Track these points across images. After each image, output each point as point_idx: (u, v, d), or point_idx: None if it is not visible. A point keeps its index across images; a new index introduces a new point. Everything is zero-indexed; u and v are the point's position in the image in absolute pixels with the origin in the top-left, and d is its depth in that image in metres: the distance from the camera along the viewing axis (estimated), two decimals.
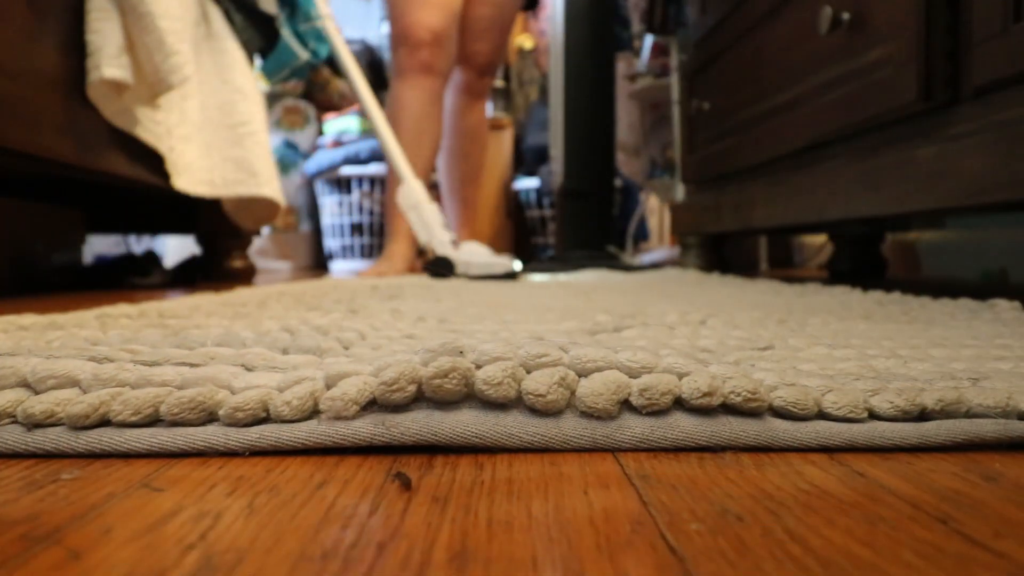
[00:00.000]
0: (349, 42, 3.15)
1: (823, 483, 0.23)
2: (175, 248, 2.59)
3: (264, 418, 0.28)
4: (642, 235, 2.97)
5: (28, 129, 0.98)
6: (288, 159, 2.82)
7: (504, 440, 0.27)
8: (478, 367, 0.29)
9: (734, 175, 1.54)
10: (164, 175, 1.34)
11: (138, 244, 2.22)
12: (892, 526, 0.20)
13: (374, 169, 2.57)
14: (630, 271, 1.80)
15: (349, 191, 2.64)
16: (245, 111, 1.54)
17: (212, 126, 1.48)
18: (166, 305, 0.69)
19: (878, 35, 0.95)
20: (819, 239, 2.41)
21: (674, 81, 2.52)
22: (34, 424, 0.27)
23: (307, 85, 2.89)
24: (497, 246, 2.73)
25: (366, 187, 2.62)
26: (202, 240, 1.79)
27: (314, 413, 0.28)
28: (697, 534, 0.19)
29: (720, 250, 1.80)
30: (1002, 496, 0.22)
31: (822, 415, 0.28)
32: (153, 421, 0.28)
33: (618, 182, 2.68)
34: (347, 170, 2.58)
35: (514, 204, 3.07)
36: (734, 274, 1.57)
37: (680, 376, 0.29)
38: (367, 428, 0.27)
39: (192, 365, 0.33)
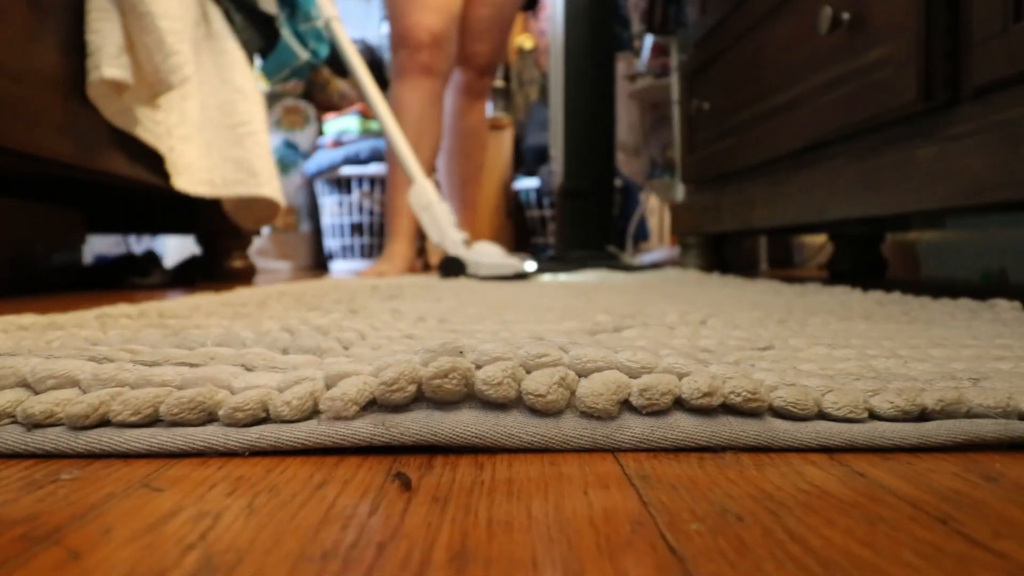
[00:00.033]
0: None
1: (823, 483, 0.23)
2: (175, 248, 2.59)
3: (264, 418, 0.28)
4: (642, 235, 2.97)
5: (28, 129, 0.98)
6: (288, 159, 2.82)
7: (504, 440, 0.27)
8: (478, 367, 0.29)
9: (734, 175, 1.54)
10: (164, 175, 1.34)
11: (138, 244, 2.22)
12: (892, 526, 0.20)
13: (374, 169, 2.56)
14: (630, 271, 1.80)
15: (349, 191, 2.64)
16: (245, 111, 1.54)
17: (212, 126, 1.48)
18: (166, 305, 0.69)
19: (878, 35, 0.95)
20: (819, 239, 2.41)
21: (674, 81, 2.52)
22: (34, 424, 0.27)
23: (307, 85, 2.89)
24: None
25: (366, 187, 2.62)
26: (202, 240, 1.79)
27: (314, 413, 0.28)
28: (697, 534, 0.19)
29: (720, 250, 1.80)
30: (1002, 496, 0.22)
31: (822, 415, 0.28)
32: (153, 421, 0.28)
33: (618, 182, 2.68)
34: (347, 170, 2.58)
35: (514, 204, 3.07)
36: (734, 274, 1.57)
37: (680, 376, 0.29)
38: (367, 428, 0.27)
39: (192, 365, 0.33)
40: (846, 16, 1.01)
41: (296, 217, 2.86)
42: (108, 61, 1.10)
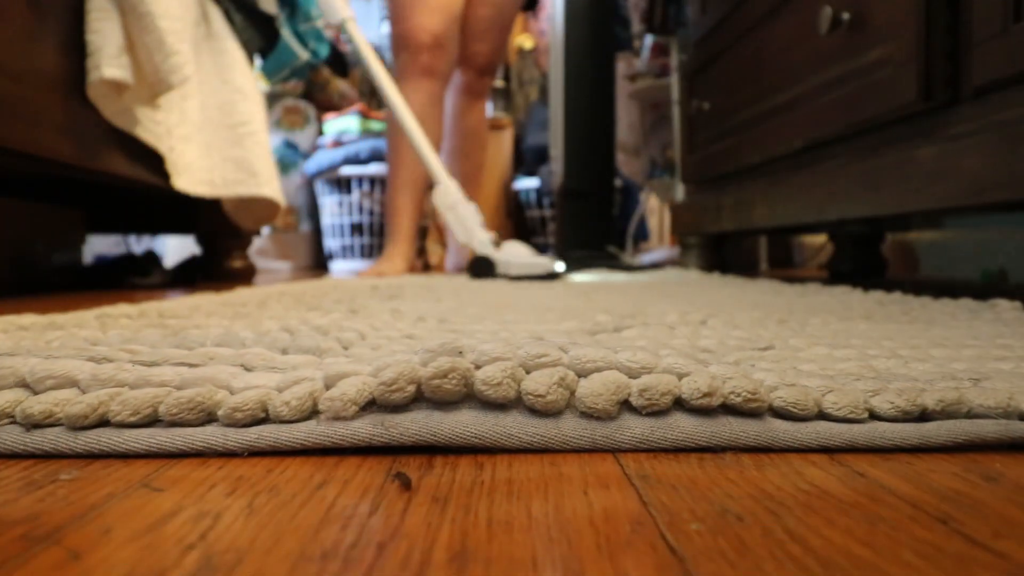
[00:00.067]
0: (349, 42, 3.16)
1: (823, 483, 0.23)
2: (175, 248, 2.59)
3: (263, 418, 0.28)
4: (642, 235, 2.97)
5: (28, 129, 0.98)
6: (288, 159, 2.82)
7: (503, 441, 0.27)
8: (477, 367, 0.29)
9: (734, 175, 1.54)
10: (164, 175, 1.34)
11: (138, 244, 2.22)
12: (892, 526, 0.20)
13: (374, 169, 2.57)
14: (630, 271, 1.80)
15: (349, 191, 2.64)
16: (245, 111, 1.54)
17: (212, 126, 1.48)
18: (166, 305, 0.69)
19: (878, 35, 0.95)
20: (819, 239, 2.41)
21: (674, 81, 2.52)
22: (33, 424, 0.27)
23: (307, 85, 2.89)
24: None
25: (366, 187, 2.62)
26: (202, 240, 1.79)
27: (313, 413, 0.28)
28: (697, 534, 0.19)
29: (720, 250, 1.80)
30: (1002, 496, 0.22)
31: (822, 415, 0.28)
32: (152, 421, 0.28)
33: (618, 182, 2.68)
34: (347, 170, 2.58)
35: (514, 204, 3.07)
36: (734, 274, 1.57)
37: (680, 376, 0.29)
38: (366, 428, 0.27)
39: (191, 365, 0.33)
40: (846, 16, 1.01)
41: (296, 217, 2.86)
42: (108, 61, 1.10)
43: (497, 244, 1.49)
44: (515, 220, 3.07)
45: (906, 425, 0.28)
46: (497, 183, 2.98)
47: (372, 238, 2.66)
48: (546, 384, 0.28)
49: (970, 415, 0.28)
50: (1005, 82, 0.75)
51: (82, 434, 0.27)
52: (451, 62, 1.77)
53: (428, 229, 2.74)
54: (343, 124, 2.69)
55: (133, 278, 1.54)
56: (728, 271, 1.73)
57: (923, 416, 0.28)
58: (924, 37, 0.85)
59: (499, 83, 3.20)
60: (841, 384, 0.30)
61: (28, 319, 0.52)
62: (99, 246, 2.33)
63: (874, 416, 0.28)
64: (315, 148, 2.83)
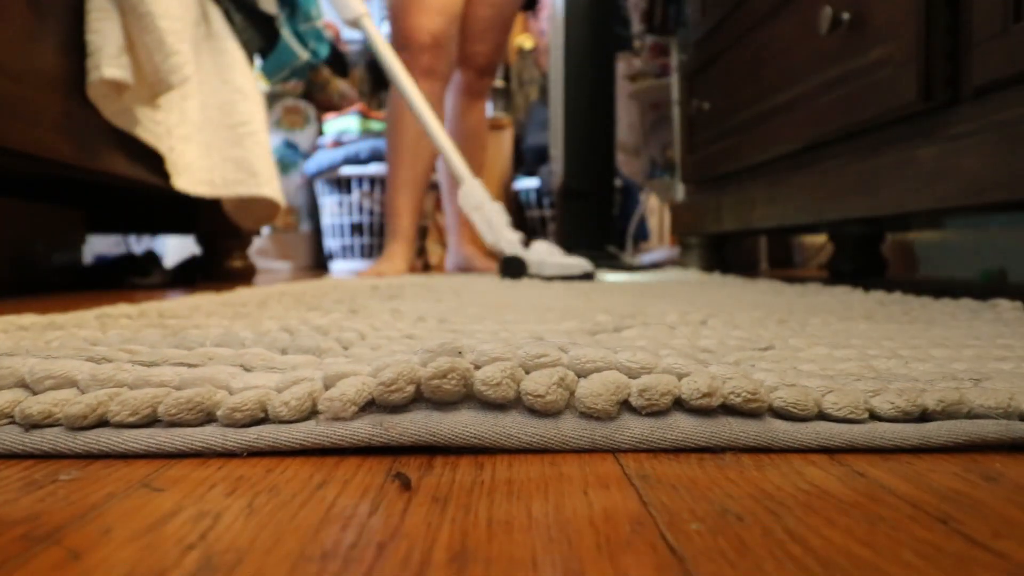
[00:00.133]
0: (349, 42, 3.16)
1: (823, 483, 0.23)
2: (175, 248, 2.59)
3: (262, 419, 0.28)
4: (642, 235, 2.97)
5: (28, 129, 0.98)
6: (288, 159, 2.82)
7: (503, 441, 0.27)
8: (477, 367, 0.29)
9: (734, 175, 1.54)
10: (164, 175, 1.34)
11: (138, 244, 2.22)
12: (892, 526, 0.20)
13: (374, 169, 2.56)
14: (631, 271, 1.80)
15: (349, 191, 2.64)
16: (245, 111, 1.54)
17: (212, 126, 1.48)
18: (166, 305, 0.69)
19: (878, 35, 0.95)
20: (819, 239, 2.41)
21: (674, 81, 2.52)
22: (32, 425, 0.27)
23: (307, 85, 2.89)
24: None
25: (366, 187, 2.62)
26: (202, 240, 1.79)
27: (312, 414, 0.28)
28: (697, 534, 0.19)
29: (720, 250, 1.80)
30: (1002, 496, 0.22)
31: (822, 416, 0.28)
32: (151, 422, 0.28)
33: (618, 182, 2.68)
34: (347, 170, 2.58)
35: (514, 204, 3.07)
36: (734, 274, 1.57)
37: (680, 377, 0.29)
38: (365, 429, 0.27)
39: (190, 365, 0.33)
40: (846, 16, 1.01)
41: (296, 217, 2.86)
42: (108, 61, 1.10)
43: (526, 244, 1.46)
44: (515, 220, 3.07)
45: (906, 425, 0.28)
46: (497, 183, 2.98)
47: (372, 238, 2.66)
48: (545, 384, 0.28)
49: (970, 415, 0.28)
50: (1005, 82, 0.75)
51: (81, 434, 0.27)
52: (451, 62, 1.77)
53: (428, 229, 2.74)
54: (343, 124, 2.69)
55: (133, 278, 1.54)
56: (728, 271, 1.73)
57: (923, 416, 0.28)
58: (924, 37, 0.85)
59: (499, 83, 3.19)
60: (841, 384, 0.30)
61: (28, 319, 0.52)
62: (99, 246, 2.33)
63: (874, 416, 0.28)
64: (315, 148, 2.83)
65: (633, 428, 0.27)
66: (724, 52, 1.55)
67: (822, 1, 1.08)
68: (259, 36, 1.65)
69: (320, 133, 2.86)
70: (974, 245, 1.66)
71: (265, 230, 2.72)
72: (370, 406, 0.28)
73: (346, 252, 2.69)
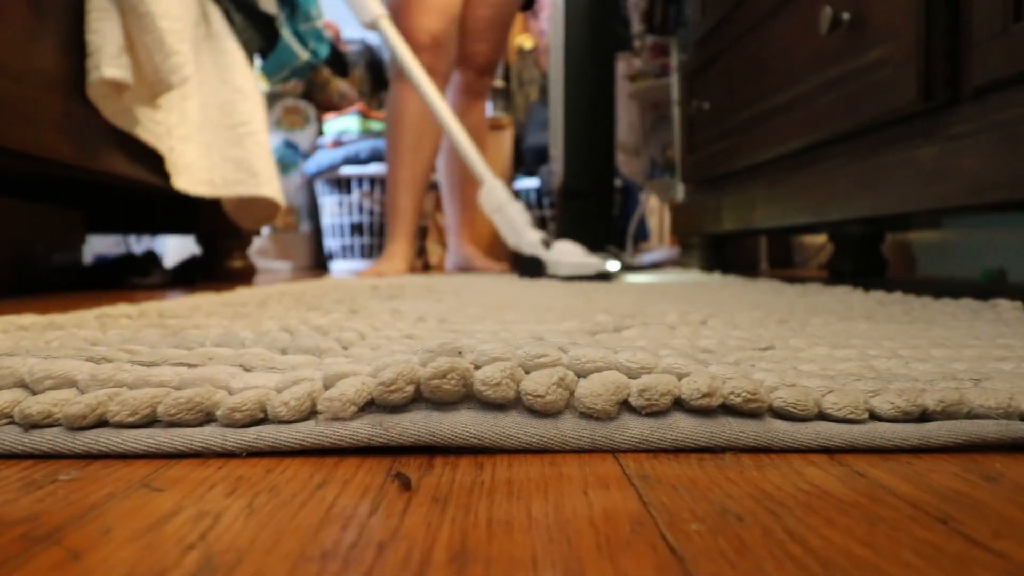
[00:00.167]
0: (349, 42, 3.16)
1: (823, 483, 0.23)
2: (175, 248, 2.59)
3: (262, 419, 0.28)
4: (642, 235, 2.97)
5: (28, 129, 0.98)
6: (288, 159, 2.82)
7: (502, 441, 0.27)
8: (477, 367, 0.29)
9: (734, 175, 1.54)
10: (164, 175, 1.34)
11: (138, 244, 2.22)
12: (892, 526, 0.20)
13: (374, 169, 2.57)
14: (633, 271, 1.80)
15: (349, 191, 2.64)
16: (245, 111, 1.54)
17: (212, 126, 1.48)
18: (166, 305, 0.69)
19: (878, 35, 0.95)
20: (819, 239, 2.41)
21: (674, 81, 2.52)
22: (31, 425, 0.27)
23: (307, 85, 2.89)
24: (497, 246, 2.73)
25: (366, 187, 2.62)
26: (202, 240, 1.79)
27: (312, 414, 0.28)
28: (697, 534, 0.19)
29: (720, 250, 1.80)
30: (1002, 496, 0.22)
31: (822, 416, 0.28)
32: (151, 422, 0.28)
33: (618, 182, 2.68)
34: (347, 170, 2.58)
35: None
36: (734, 274, 1.57)
37: (680, 377, 0.29)
38: (365, 429, 0.27)
39: (190, 365, 0.33)
40: (846, 16, 1.01)
41: (296, 217, 2.86)
42: (108, 61, 1.10)
43: (547, 243, 1.44)
44: None
45: (906, 425, 0.28)
46: None
47: (372, 238, 2.66)
48: (545, 384, 0.28)
49: (971, 415, 0.28)
50: (1005, 82, 0.75)
51: (81, 434, 0.27)
52: (450, 62, 1.77)
53: (428, 229, 2.74)
54: (343, 124, 2.69)
55: (133, 278, 1.54)
56: (728, 271, 1.73)
57: (923, 416, 0.28)
58: (924, 37, 0.85)
59: (499, 83, 3.19)
60: (841, 384, 0.30)
61: (28, 319, 0.52)
62: (99, 246, 2.33)
63: (874, 416, 0.28)
64: (315, 148, 2.83)
65: (633, 428, 0.27)
66: (724, 52, 1.55)
67: (822, 1, 1.08)
68: (259, 36, 1.65)
69: (320, 133, 2.86)
70: (974, 245, 1.66)
71: (265, 230, 2.72)
72: (370, 406, 0.28)
73: (346, 252, 2.69)
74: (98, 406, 0.27)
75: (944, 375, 0.34)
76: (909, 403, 0.28)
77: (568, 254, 1.40)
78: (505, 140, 3.04)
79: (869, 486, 0.23)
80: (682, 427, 0.27)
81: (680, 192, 2.21)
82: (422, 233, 2.70)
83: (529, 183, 2.96)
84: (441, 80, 1.77)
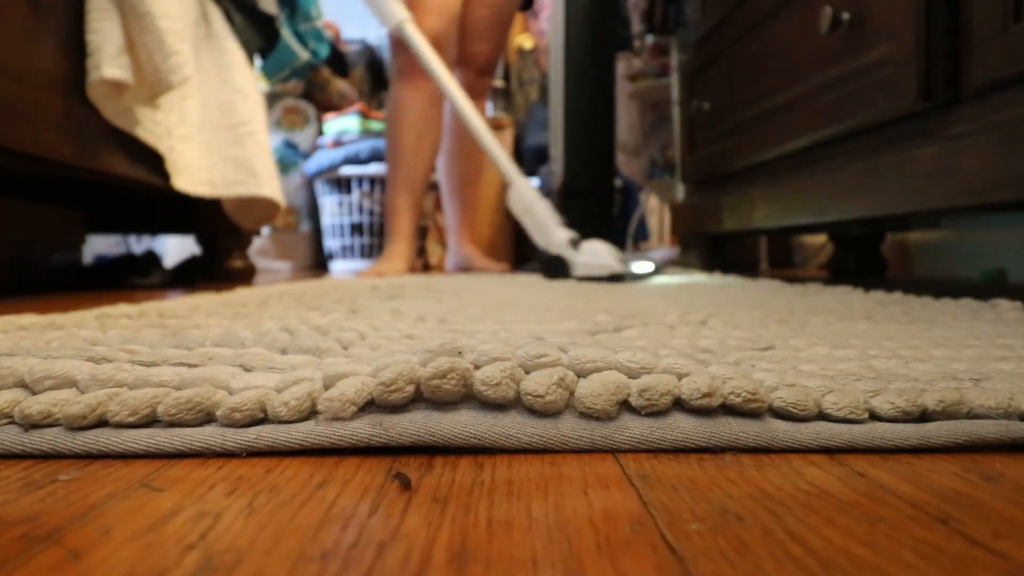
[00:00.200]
0: (349, 42, 3.16)
1: (823, 483, 0.23)
2: (175, 248, 2.59)
3: (262, 419, 0.28)
4: (642, 235, 2.97)
5: (28, 129, 0.98)
6: (288, 159, 2.82)
7: (502, 441, 0.27)
8: (476, 367, 0.29)
9: (734, 175, 1.54)
10: (164, 175, 1.34)
11: (138, 244, 2.22)
12: (892, 526, 0.20)
13: (374, 169, 2.57)
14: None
15: (349, 191, 2.64)
16: (245, 111, 1.54)
17: (212, 126, 1.48)
18: (166, 305, 0.69)
19: (878, 35, 0.95)
20: (819, 239, 2.41)
21: (674, 81, 2.52)
22: (31, 425, 0.27)
23: (307, 85, 2.89)
24: (497, 246, 2.73)
25: (366, 187, 2.62)
26: (202, 240, 1.79)
27: (312, 414, 0.28)
28: (697, 534, 0.19)
29: (720, 250, 1.80)
30: (1002, 496, 0.22)
31: (822, 416, 0.28)
32: (151, 422, 0.28)
33: (618, 182, 2.68)
34: (347, 170, 2.58)
35: None
36: (735, 274, 1.57)
37: (680, 377, 0.29)
38: (365, 429, 0.27)
39: (190, 365, 0.33)
40: (846, 16, 1.01)
41: (296, 217, 2.86)
42: (108, 61, 1.10)
43: (575, 243, 1.43)
44: (515, 220, 3.07)
45: (906, 425, 0.28)
46: (497, 183, 2.98)
47: (372, 238, 2.66)
48: (545, 384, 0.28)
49: (971, 415, 0.28)
50: (1005, 82, 0.75)
51: (81, 434, 0.27)
52: (450, 62, 1.77)
53: (428, 229, 2.74)
54: (343, 124, 2.69)
55: (133, 278, 1.54)
56: (728, 271, 1.73)
57: (923, 416, 0.28)
58: (924, 37, 0.85)
59: (499, 83, 3.19)
60: (841, 384, 0.30)
61: (28, 319, 0.52)
62: (99, 246, 2.33)
63: (874, 416, 0.28)
64: (315, 148, 2.83)
65: (633, 428, 0.27)
66: (724, 52, 1.55)
67: (822, 1, 1.08)
68: (259, 36, 1.65)
69: (320, 133, 2.86)
70: (974, 245, 1.66)
71: (265, 230, 2.72)
72: (370, 406, 0.28)
73: (346, 252, 2.69)
74: (98, 406, 0.27)
75: (944, 375, 0.34)
76: (909, 403, 0.28)
77: (592, 254, 1.38)
78: (505, 140, 3.04)
79: (869, 486, 0.23)
80: (682, 427, 0.27)
81: (680, 192, 2.21)
82: (422, 233, 2.70)
83: (529, 183, 2.96)
84: None
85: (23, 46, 0.98)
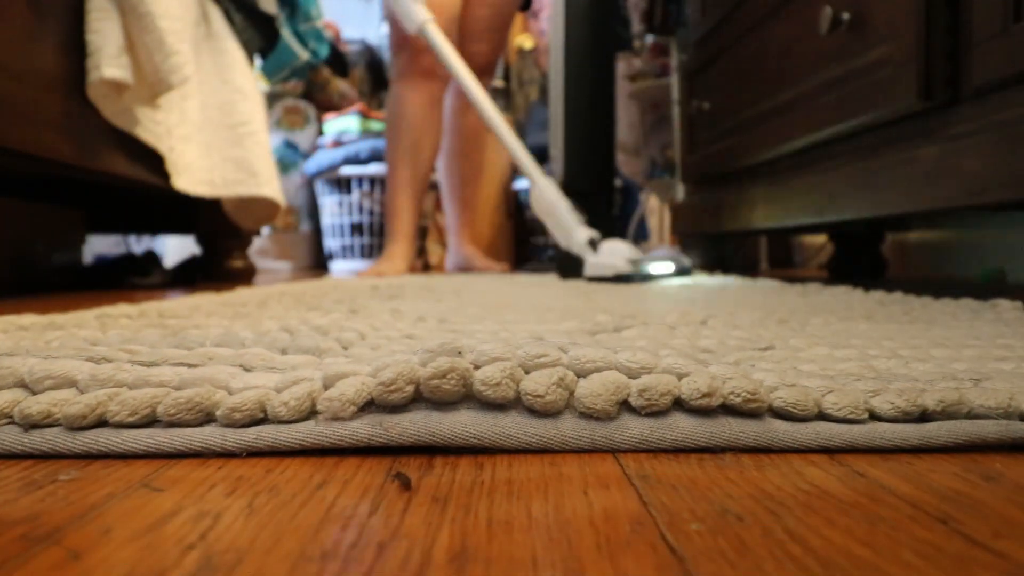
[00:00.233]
0: (349, 42, 3.16)
1: (823, 483, 0.23)
2: (175, 248, 2.60)
3: (262, 419, 0.28)
4: (642, 235, 2.97)
5: (28, 129, 0.98)
6: (288, 159, 2.82)
7: (502, 441, 0.27)
8: (476, 367, 0.29)
9: (734, 175, 1.54)
10: (164, 175, 1.34)
11: (138, 244, 2.22)
12: (892, 526, 0.20)
13: (374, 169, 2.57)
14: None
15: (349, 191, 2.64)
16: (245, 111, 1.54)
17: (212, 126, 1.48)
18: (166, 305, 0.69)
19: (878, 35, 0.95)
20: (819, 239, 2.41)
21: (674, 81, 2.52)
22: (31, 425, 0.27)
23: (307, 85, 2.89)
24: (497, 246, 2.73)
25: (366, 187, 2.62)
26: (202, 240, 1.79)
27: (312, 414, 0.28)
28: (697, 534, 0.19)
29: (720, 250, 1.80)
30: (1002, 496, 0.22)
31: (822, 416, 0.28)
32: (150, 422, 0.28)
33: (618, 182, 2.68)
34: (347, 170, 2.58)
35: (514, 204, 3.07)
36: (735, 274, 1.57)
37: (680, 377, 0.29)
38: (365, 429, 0.27)
39: (190, 365, 0.33)
40: (846, 16, 1.01)
41: (296, 217, 2.86)
42: (108, 61, 1.10)
43: (595, 243, 1.42)
44: (515, 220, 3.07)
45: (906, 425, 0.28)
46: (497, 183, 2.98)
47: (372, 238, 2.66)
48: (545, 384, 0.28)
49: (971, 415, 0.28)
50: (1005, 82, 0.75)
51: (80, 434, 0.27)
52: None
53: (428, 229, 2.74)
54: (343, 124, 2.69)
55: (133, 278, 1.54)
56: (728, 271, 1.73)
57: (923, 416, 0.28)
58: (924, 37, 0.85)
59: (499, 83, 3.19)
60: (841, 384, 0.30)
61: (28, 319, 0.52)
62: (99, 246, 2.33)
63: (874, 416, 0.28)
64: (315, 148, 2.83)
65: (633, 428, 0.27)
66: (724, 52, 1.55)
67: (822, 1, 1.08)
68: (259, 36, 1.65)
69: (320, 133, 2.86)
70: (974, 245, 1.66)
71: (265, 230, 2.72)
72: (369, 406, 0.28)
73: (346, 252, 2.69)
74: (98, 406, 0.27)
75: (944, 375, 0.34)
76: (909, 403, 0.28)
77: (609, 253, 1.36)
78: None
79: (869, 486, 0.23)
80: (682, 427, 0.27)
81: (680, 192, 2.20)
82: (422, 233, 2.70)
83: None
84: (441, 81, 1.77)
85: (23, 46, 0.98)
